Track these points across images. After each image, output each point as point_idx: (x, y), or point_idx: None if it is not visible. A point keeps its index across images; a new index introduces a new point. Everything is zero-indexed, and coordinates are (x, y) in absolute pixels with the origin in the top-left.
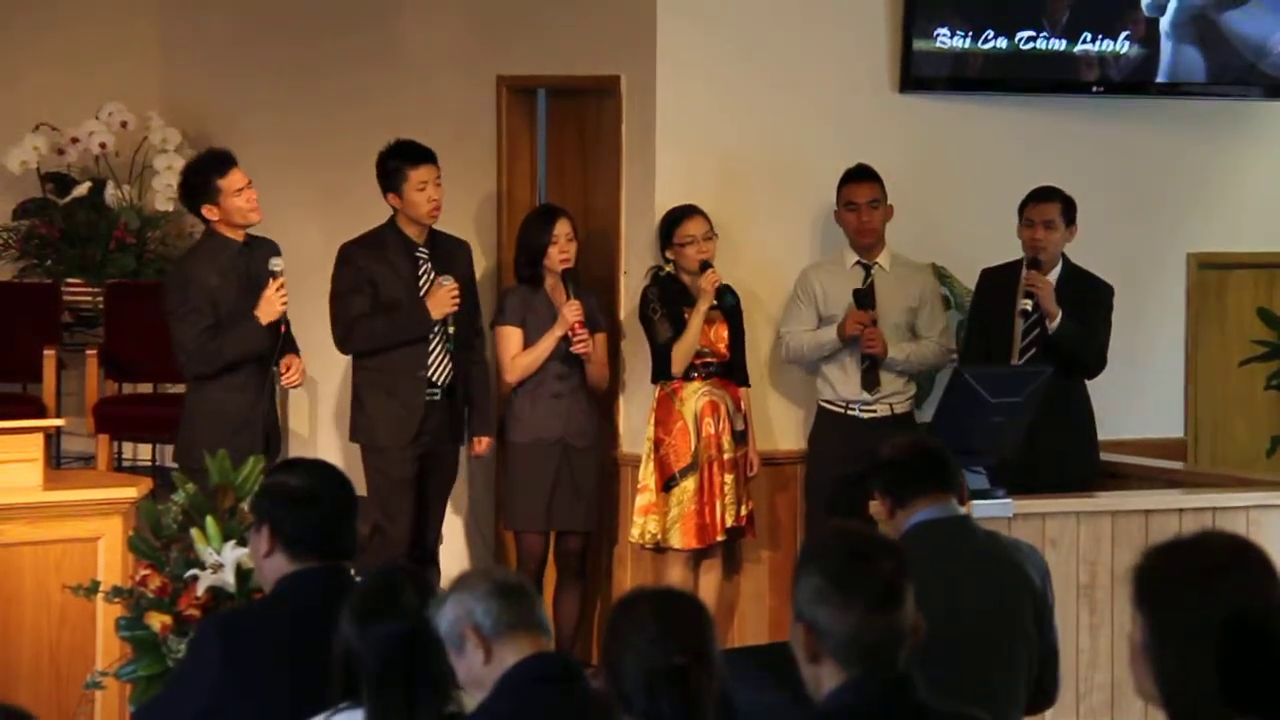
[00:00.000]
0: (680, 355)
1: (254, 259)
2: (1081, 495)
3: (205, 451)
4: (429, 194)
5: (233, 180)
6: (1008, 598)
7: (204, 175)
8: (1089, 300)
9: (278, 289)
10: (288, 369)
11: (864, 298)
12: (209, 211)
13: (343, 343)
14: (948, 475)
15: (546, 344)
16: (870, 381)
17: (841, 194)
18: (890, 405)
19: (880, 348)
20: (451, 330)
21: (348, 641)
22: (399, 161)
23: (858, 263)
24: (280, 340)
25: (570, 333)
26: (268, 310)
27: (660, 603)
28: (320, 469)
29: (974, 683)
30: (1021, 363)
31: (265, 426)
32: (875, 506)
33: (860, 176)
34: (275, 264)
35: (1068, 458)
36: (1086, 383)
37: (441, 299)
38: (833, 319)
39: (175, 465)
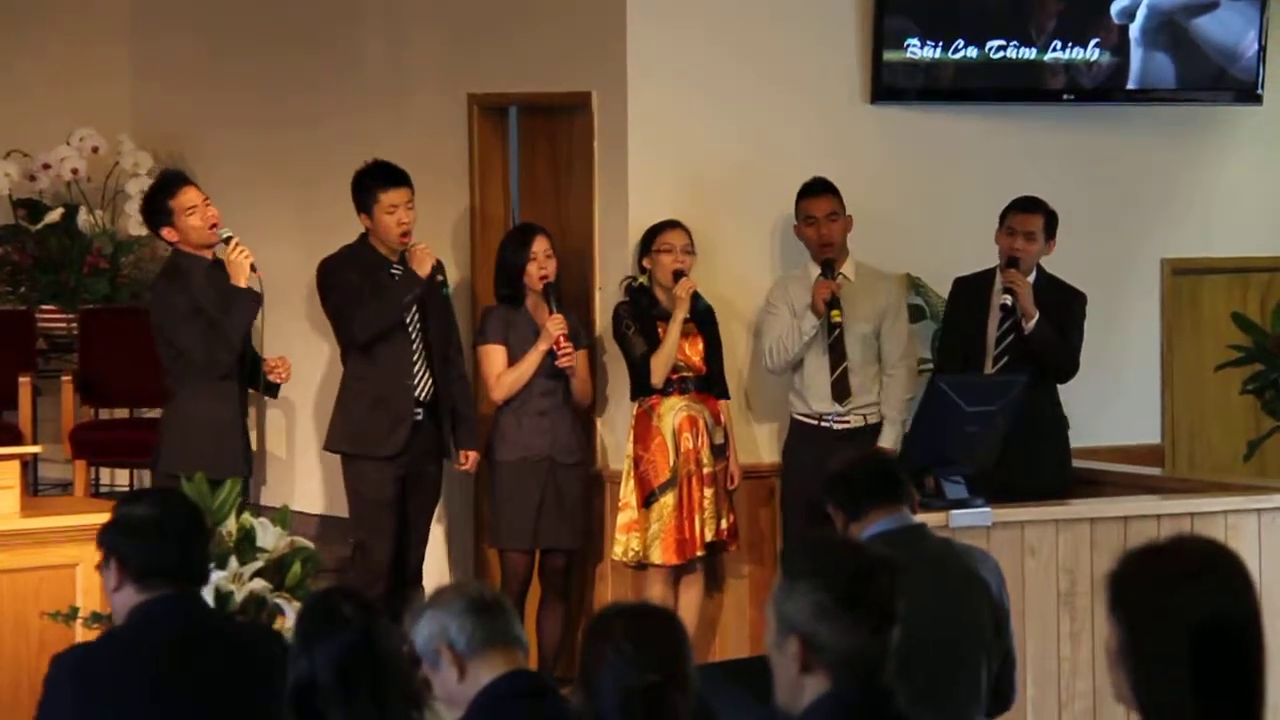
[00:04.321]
0: (659, 365)
1: (223, 278)
2: (1060, 503)
3: (191, 462)
4: (399, 217)
5: (183, 200)
6: (966, 604)
7: (156, 198)
8: (1062, 307)
9: (236, 248)
10: (273, 368)
11: (828, 269)
12: (168, 234)
13: (351, 338)
14: (898, 486)
15: (532, 359)
16: (841, 393)
17: (800, 208)
18: (863, 416)
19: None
20: (441, 277)
21: (300, 669)
22: (371, 182)
23: (821, 275)
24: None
25: (555, 346)
26: (238, 272)
27: (634, 620)
28: (165, 498)
29: (936, 690)
30: (997, 367)
31: (244, 440)
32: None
33: (817, 190)
34: (224, 232)
35: (1039, 466)
36: (1059, 391)
37: (421, 257)
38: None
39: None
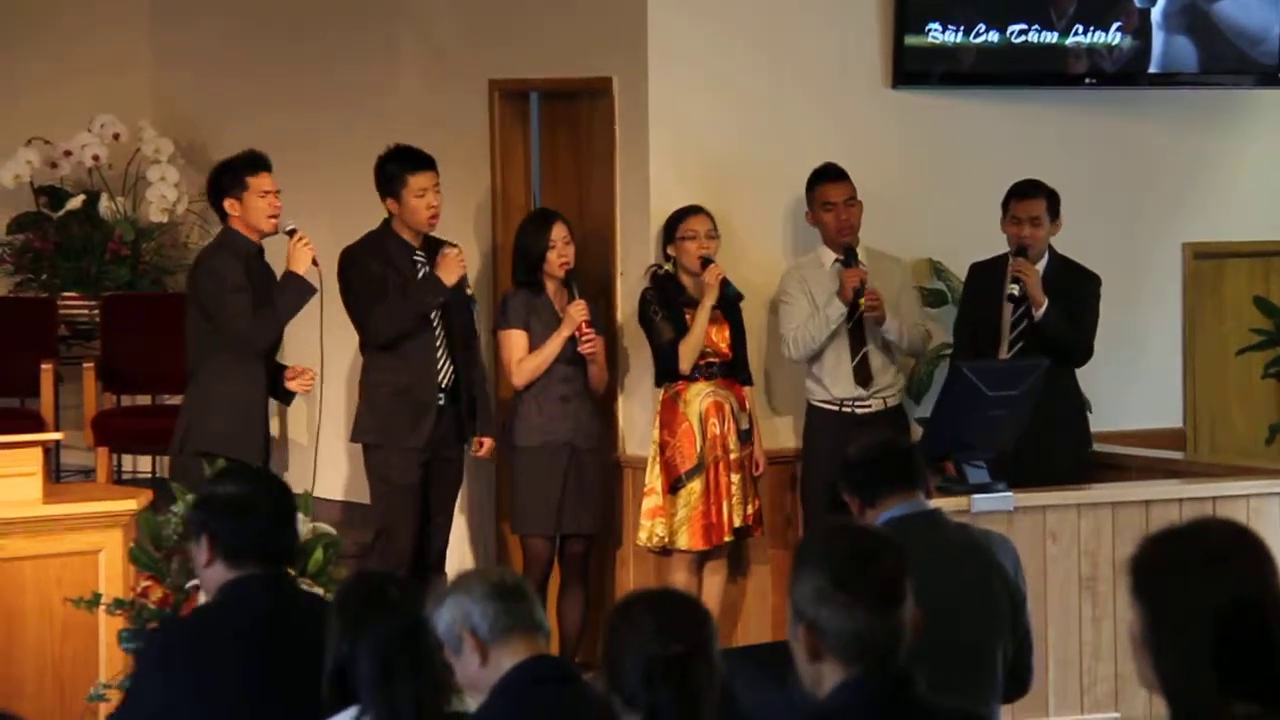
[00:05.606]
0: (688, 351)
1: (268, 269)
2: (1081, 487)
3: (215, 442)
4: (428, 201)
5: (262, 181)
6: (982, 589)
7: (236, 169)
8: (1076, 290)
9: (300, 240)
10: (294, 376)
11: (851, 256)
12: (230, 205)
13: (370, 335)
14: (914, 472)
15: (554, 345)
16: (864, 376)
17: (816, 195)
18: (883, 400)
19: (881, 312)
20: (469, 291)
21: (338, 650)
22: (399, 167)
23: (837, 260)
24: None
25: (577, 332)
26: (299, 261)
27: (657, 599)
28: (255, 475)
29: (952, 674)
30: (1011, 354)
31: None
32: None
33: (834, 176)
34: (288, 223)
35: (1055, 451)
36: (1077, 375)
37: (451, 265)
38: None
39: (176, 459)
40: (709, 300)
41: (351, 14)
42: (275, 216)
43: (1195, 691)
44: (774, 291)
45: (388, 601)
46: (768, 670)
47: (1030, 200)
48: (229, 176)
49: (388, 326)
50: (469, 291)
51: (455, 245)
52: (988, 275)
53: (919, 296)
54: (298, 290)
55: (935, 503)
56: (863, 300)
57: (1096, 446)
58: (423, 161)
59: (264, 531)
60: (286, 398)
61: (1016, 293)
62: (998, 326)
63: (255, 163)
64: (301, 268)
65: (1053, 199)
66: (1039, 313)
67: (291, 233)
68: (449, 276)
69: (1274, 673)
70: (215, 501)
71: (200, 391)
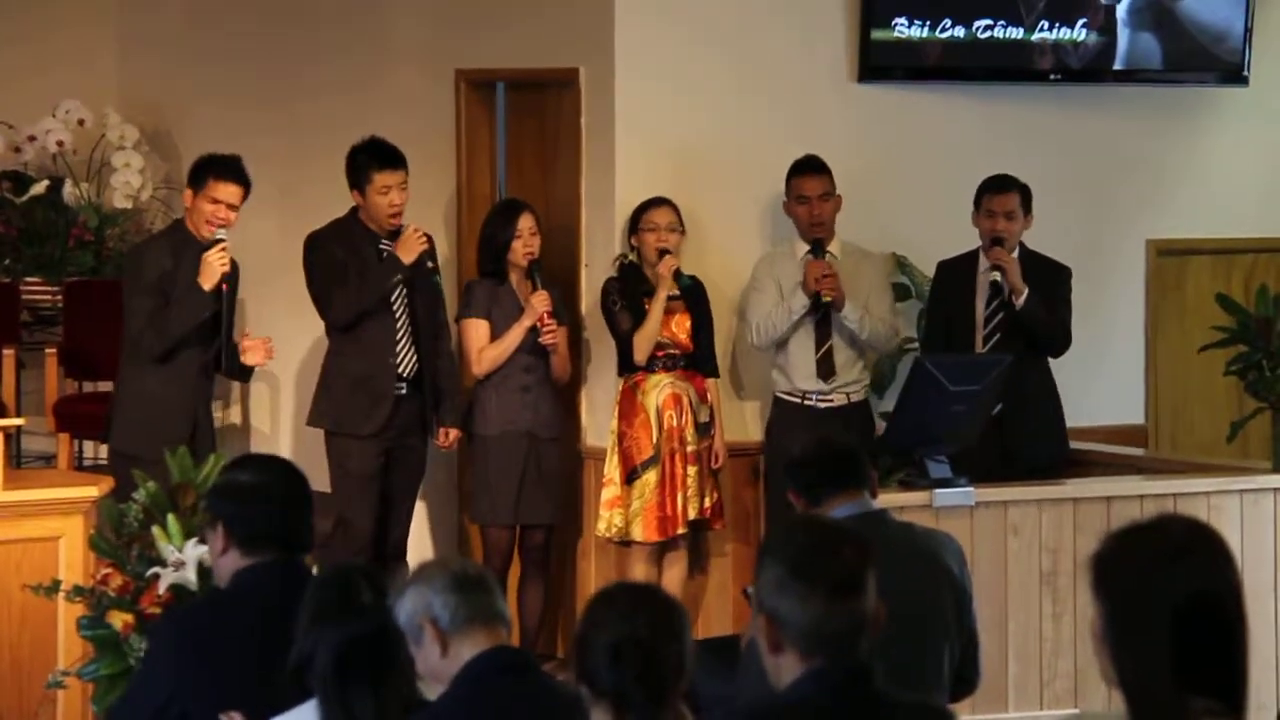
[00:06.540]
0: (642, 343)
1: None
2: (1043, 482)
3: (134, 440)
4: (390, 199)
5: (218, 189)
6: (927, 589)
7: (207, 166)
8: (1048, 282)
9: (219, 253)
10: (246, 348)
11: (817, 248)
12: (186, 197)
13: (331, 318)
14: (859, 472)
15: (515, 335)
16: (826, 370)
17: (791, 187)
18: (846, 395)
19: (839, 295)
20: (431, 264)
21: (304, 646)
22: (367, 160)
23: (808, 253)
24: (225, 321)
25: (539, 323)
26: (208, 274)
27: (633, 589)
28: (271, 464)
29: (899, 674)
30: (988, 346)
31: (194, 419)
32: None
33: (810, 169)
34: (219, 232)
35: (1037, 441)
36: (1051, 367)
37: (410, 242)
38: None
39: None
40: (663, 291)
41: (319, 2)
42: (211, 224)
43: (1155, 687)
44: (739, 284)
45: (356, 604)
46: (727, 662)
47: (1005, 194)
48: (199, 170)
49: (347, 309)
50: (431, 264)
51: (412, 225)
52: (956, 272)
53: (892, 294)
54: (193, 306)
55: (898, 497)
56: (827, 294)
57: None
58: (391, 159)
59: (277, 520)
60: (245, 374)
61: (998, 278)
62: (971, 321)
63: (226, 169)
64: (208, 283)
65: (1025, 193)
66: (1020, 300)
67: (216, 242)
68: (407, 255)
69: (1233, 669)
70: (228, 489)
71: (122, 387)
